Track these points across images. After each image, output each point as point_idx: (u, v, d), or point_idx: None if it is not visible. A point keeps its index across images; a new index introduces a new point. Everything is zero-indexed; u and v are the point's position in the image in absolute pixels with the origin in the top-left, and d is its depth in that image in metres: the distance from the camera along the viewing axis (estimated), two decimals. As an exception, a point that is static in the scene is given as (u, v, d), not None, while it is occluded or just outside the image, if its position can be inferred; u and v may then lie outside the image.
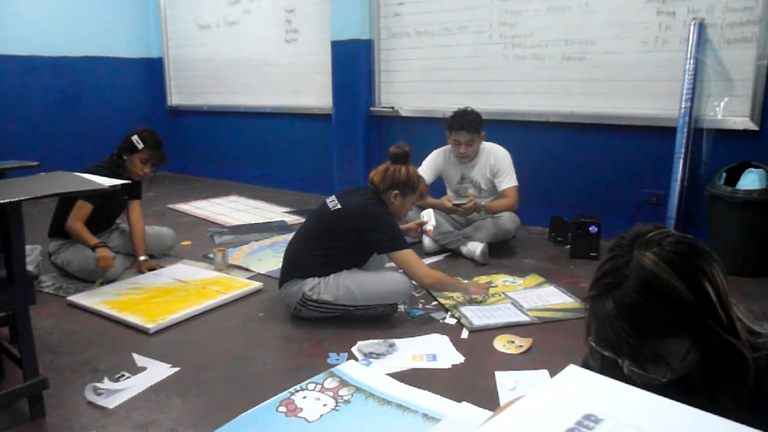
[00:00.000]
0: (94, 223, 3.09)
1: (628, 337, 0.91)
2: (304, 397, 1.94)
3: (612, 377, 0.83)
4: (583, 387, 0.78)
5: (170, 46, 6.74)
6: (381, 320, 2.55)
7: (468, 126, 3.40)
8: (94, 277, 3.03)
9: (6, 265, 1.80)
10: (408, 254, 2.49)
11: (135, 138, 3.10)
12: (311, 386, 2.01)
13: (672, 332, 0.90)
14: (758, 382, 0.90)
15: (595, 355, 1.02)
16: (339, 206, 2.53)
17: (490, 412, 1.80)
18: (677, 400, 0.73)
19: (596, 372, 1.00)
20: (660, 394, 0.75)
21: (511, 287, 2.97)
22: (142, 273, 3.16)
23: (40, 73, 5.88)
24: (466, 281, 3.00)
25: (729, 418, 0.69)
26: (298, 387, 1.99)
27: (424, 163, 3.64)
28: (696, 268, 0.90)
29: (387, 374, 2.09)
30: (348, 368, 2.13)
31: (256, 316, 2.66)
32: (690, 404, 0.72)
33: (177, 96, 6.84)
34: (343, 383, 2.03)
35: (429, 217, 2.99)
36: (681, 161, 3.37)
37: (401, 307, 2.67)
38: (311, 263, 2.51)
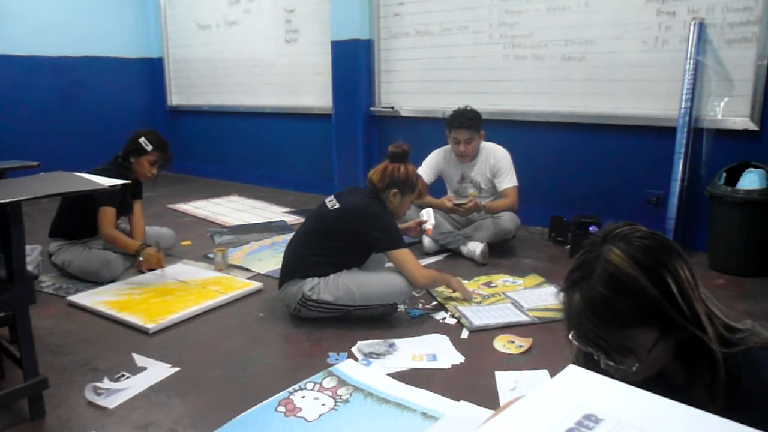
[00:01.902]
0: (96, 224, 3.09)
1: (595, 328, 0.95)
2: (303, 397, 1.94)
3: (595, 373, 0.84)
4: (583, 387, 0.78)
5: (170, 46, 6.74)
6: (381, 320, 2.55)
7: (467, 124, 3.40)
8: (95, 278, 3.03)
9: (6, 265, 1.80)
10: (405, 253, 2.49)
11: (143, 140, 3.12)
12: (310, 386, 2.01)
13: (636, 323, 0.94)
14: (734, 377, 0.92)
15: (578, 352, 1.06)
16: (338, 206, 2.53)
17: (489, 411, 1.80)
18: (659, 394, 0.74)
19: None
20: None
21: (511, 287, 2.97)
22: (142, 273, 3.16)
23: (40, 73, 5.88)
24: (466, 281, 3.00)
25: (707, 411, 0.70)
26: (296, 387, 1.99)
27: (424, 162, 3.64)
28: (659, 262, 0.94)
29: (387, 374, 2.09)
30: (346, 367, 2.13)
31: (256, 316, 2.66)
32: (670, 397, 0.73)
33: (177, 96, 6.85)
34: (342, 382, 2.03)
35: (428, 216, 2.98)
36: (681, 161, 3.37)
37: (401, 307, 2.67)
38: (311, 263, 2.51)
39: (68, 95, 6.13)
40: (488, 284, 3.01)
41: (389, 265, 2.69)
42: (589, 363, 1.03)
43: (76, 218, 3.08)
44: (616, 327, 0.95)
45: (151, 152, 3.13)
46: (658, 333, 0.94)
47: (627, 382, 0.94)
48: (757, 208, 3.07)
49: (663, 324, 0.94)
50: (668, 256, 0.96)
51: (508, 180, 3.50)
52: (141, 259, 3.10)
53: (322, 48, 5.17)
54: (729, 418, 0.68)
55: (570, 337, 1.04)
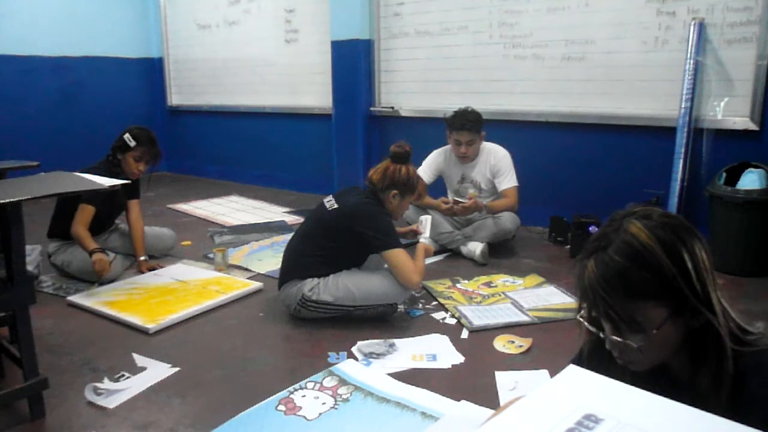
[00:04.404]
0: (94, 224, 3.08)
1: (606, 296, 0.95)
2: (303, 396, 1.94)
3: (600, 364, 0.84)
4: (583, 387, 0.78)
5: (170, 46, 6.73)
6: (381, 320, 2.55)
7: (468, 126, 3.40)
8: (94, 278, 3.03)
9: (6, 265, 1.80)
10: (399, 253, 2.46)
11: (127, 136, 3.08)
12: (310, 385, 2.01)
13: (648, 296, 0.94)
14: (743, 377, 0.93)
15: (587, 336, 1.06)
16: (336, 206, 2.53)
17: (488, 410, 1.80)
18: (662, 391, 0.74)
19: (586, 357, 1.07)
20: (646, 387, 0.75)
21: (511, 287, 2.97)
22: (142, 273, 3.16)
23: (40, 73, 5.88)
24: (466, 281, 3.00)
25: (710, 406, 0.71)
26: (297, 386, 2.00)
27: (424, 163, 3.63)
28: (677, 238, 0.95)
29: (387, 374, 2.09)
30: (347, 367, 2.13)
31: (256, 316, 2.66)
32: (674, 394, 0.73)
33: (177, 96, 6.84)
34: (342, 382, 2.03)
35: (425, 228, 2.98)
36: (681, 161, 3.36)
37: (401, 307, 2.67)
38: (310, 264, 2.51)
39: (68, 95, 6.13)
40: (488, 284, 3.01)
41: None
42: (595, 349, 1.04)
43: (73, 218, 3.07)
44: (628, 298, 0.95)
45: (134, 148, 3.07)
46: (669, 311, 0.94)
47: (632, 371, 0.95)
48: (757, 208, 3.07)
49: (674, 302, 0.94)
50: (687, 234, 0.96)
51: (509, 180, 3.50)
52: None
53: (322, 48, 5.17)
54: (732, 417, 0.68)
55: (579, 317, 1.04)
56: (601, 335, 1.01)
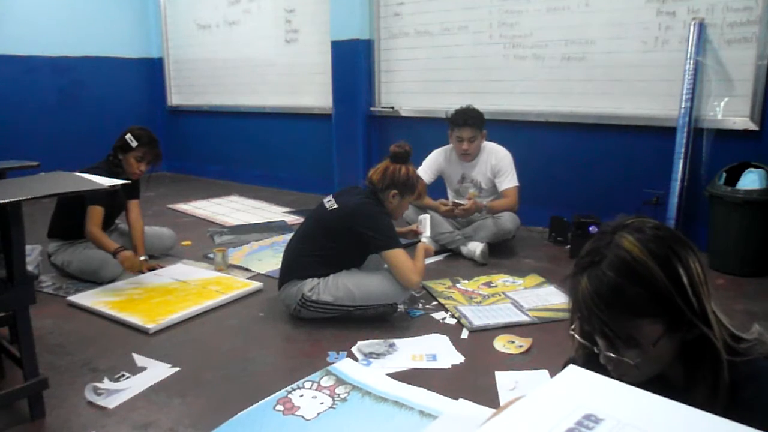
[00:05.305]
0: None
1: (601, 314, 0.94)
2: (301, 396, 1.94)
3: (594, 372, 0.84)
4: (583, 387, 0.78)
5: (170, 46, 6.74)
6: (381, 320, 2.55)
7: (471, 122, 3.40)
8: (94, 278, 3.03)
9: (6, 265, 1.80)
10: (399, 254, 2.45)
11: (128, 136, 3.08)
12: (308, 384, 2.01)
13: (643, 312, 0.93)
14: (738, 387, 0.92)
15: (578, 348, 1.05)
16: (336, 206, 2.53)
17: (486, 409, 1.81)
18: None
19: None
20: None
21: (511, 287, 2.97)
22: (142, 273, 3.16)
23: (40, 73, 5.88)
24: (466, 281, 3.00)
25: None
26: (294, 385, 2.00)
27: (424, 162, 3.63)
28: (671, 252, 0.94)
29: (387, 374, 2.09)
30: (344, 366, 2.13)
31: (256, 316, 2.66)
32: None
33: (177, 96, 6.84)
34: (340, 381, 2.03)
35: (425, 227, 2.98)
36: (681, 161, 3.37)
37: (401, 307, 2.67)
38: (310, 264, 2.51)
39: (68, 95, 6.13)
40: (488, 284, 3.01)
41: (389, 265, 2.68)
42: (589, 361, 1.03)
43: (73, 218, 3.07)
44: (623, 314, 0.93)
45: (136, 148, 3.08)
46: (664, 326, 0.93)
47: (625, 382, 0.94)
48: (757, 208, 3.07)
49: (670, 317, 0.93)
50: (681, 247, 0.95)
51: (509, 180, 3.50)
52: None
53: (322, 48, 5.17)
54: None
55: (571, 331, 1.03)
56: (595, 350, 1.00)
